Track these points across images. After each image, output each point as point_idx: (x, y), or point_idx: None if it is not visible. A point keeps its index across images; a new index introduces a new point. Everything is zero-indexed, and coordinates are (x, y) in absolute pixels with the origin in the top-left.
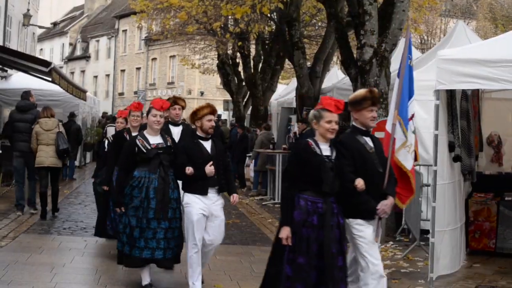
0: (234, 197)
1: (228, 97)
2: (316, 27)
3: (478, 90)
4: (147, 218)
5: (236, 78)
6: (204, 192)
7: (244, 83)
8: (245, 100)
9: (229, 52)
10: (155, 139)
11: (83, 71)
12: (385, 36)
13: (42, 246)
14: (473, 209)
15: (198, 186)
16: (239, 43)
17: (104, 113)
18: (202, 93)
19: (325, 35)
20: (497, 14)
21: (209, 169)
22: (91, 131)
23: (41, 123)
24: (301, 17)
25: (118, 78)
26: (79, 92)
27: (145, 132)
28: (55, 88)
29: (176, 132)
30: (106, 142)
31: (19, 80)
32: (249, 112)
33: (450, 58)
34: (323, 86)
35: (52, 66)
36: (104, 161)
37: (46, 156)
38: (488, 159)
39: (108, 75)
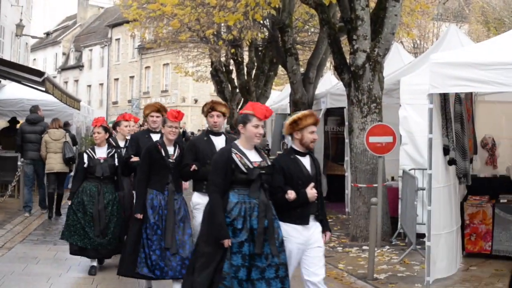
0: (327, 236)
1: None
2: (309, 33)
3: (471, 93)
4: (251, 254)
5: (229, 85)
6: (305, 221)
7: (238, 90)
8: (239, 107)
9: (223, 59)
10: (254, 155)
11: (76, 81)
12: (377, 41)
13: (38, 256)
14: (469, 212)
15: (297, 213)
16: (232, 50)
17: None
18: (196, 101)
19: (318, 40)
20: (489, 17)
21: (311, 192)
22: (85, 140)
23: (50, 133)
24: (294, 23)
25: (112, 87)
26: (73, 102)
27: (239, 145)
28: (49, 98)
29: (220, 143)
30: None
31: (12, 90)
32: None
33: (443, 62)
34: (317, 91)
35: (45, 76)
36: (112, 178)
37: (54, 162)
38: (483, 161)
39: (101, 84)
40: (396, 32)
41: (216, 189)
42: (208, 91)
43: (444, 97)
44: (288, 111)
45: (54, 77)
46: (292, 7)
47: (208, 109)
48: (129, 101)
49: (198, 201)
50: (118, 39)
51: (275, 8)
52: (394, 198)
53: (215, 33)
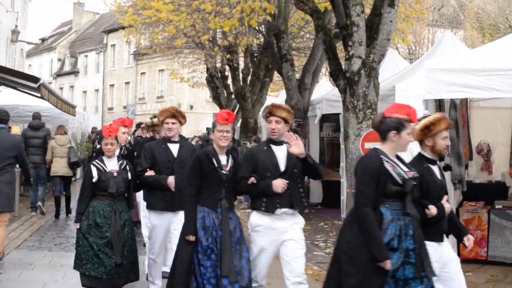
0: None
1: (217, 110)
2: (304, 39)
3: (466, 99)
4: (405, 279)
5: (225, 91)
6: (440, 238)
7: (233, 96)
8: (235, 113)
9: (218, 65)
10: (402, 165)
11: (72, 87)
12: (373, 47)
13: (33, 262)
14: (464, 217)
15: (433, 229)
16: (228, 56)
17: (94, 128)
18: (191, 107)
19: (313, 47)
20: (484, 23)
21: (448, 206)
22: (81, 146)
23: (56, 139)
24: (289, 29)
25: (107, 93)
26: (68, 108)
27: (386, 152)
28: (44, 104)
29: (281, 154)
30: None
31: (8, 96)
32: (238, 125)
33: (438, 68)
34: (312, 97)
35: (41, 82)
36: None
37: (60, 166)
38: (478, 167)
39: (97, 90)
40: (392, 38)
41: (368, 203)
42: (203, 97)
43: (439, 103)
44: None
45: (50, 83)
46: (287, 13)
47: (266, 114)
48: (125, 107)
49: (259, 222)
50: (113, 45)
51: (270, 14)
52: None
53: (210, 39)
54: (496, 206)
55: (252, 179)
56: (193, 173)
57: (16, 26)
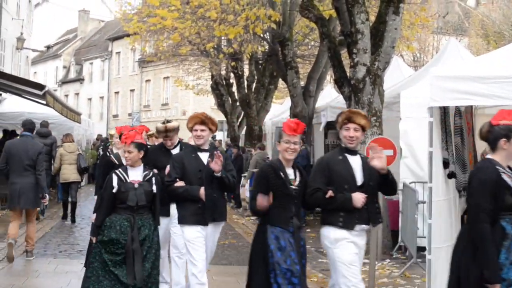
0: None
1: (222, 117)
2: (309, 47)
3: (471, 106)
4: None
5: (230, 99)
6: None
7: (238, 103)
8: (240, 120)
9: (223, 72)
10: None
11: (77, 94)
12: (377, 55)
13: (38, 269)
14: None
15: None
16: (233, 64)
17: (99, 136)
18: None
19: (318, 54)
20: (489, 31)
21: None
22: (86, 153)
23: (65, 146)
24: (294, 36)
25: (112, 100)
26: (74, 115)
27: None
28: (50, 111)
29: (356, 164)
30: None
31: (13, 103)
32: (243, 132)
33: (443, 75)
34: (317, 105)
35: (46, 89)
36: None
37: (69, 173)
38: None
39: (102, 97)
40: (396, 46)
41: (486, 218)
42: (208, 105)
43: (444, 110)
44: None
45: (55, 90)
46: (292, 20)
47: (344, 120)
48: (130, 114)
49: (336, 236)
50: (118, 53)
51: (275, 21)
52: (394, 211)
53: (215, 46)
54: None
55: (330, 192)
56: (259, 189)
57: (22, 33)
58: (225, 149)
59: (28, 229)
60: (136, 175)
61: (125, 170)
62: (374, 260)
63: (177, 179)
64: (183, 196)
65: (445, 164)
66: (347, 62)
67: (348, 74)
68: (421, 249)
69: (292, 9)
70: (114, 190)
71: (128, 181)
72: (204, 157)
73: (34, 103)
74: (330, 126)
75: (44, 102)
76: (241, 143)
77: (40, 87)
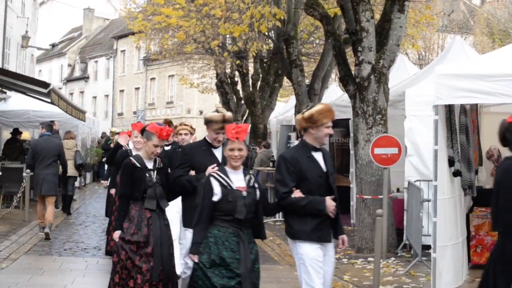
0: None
1: None
2: (314, 45)
3: (476, 104)
4: None
5: (235, 97)
6: None
7: (243, 102)
8: (244, 118)
9: (228, 70)
10: None
11: (82, 92)
12: (382, 53)
13: (43, 267)
14: (474, 223)
15: None
16: (237, 62)
17: (104, 134)
18: (201, 112)
19: (323, 52)
20: (494, 29)
21: None
22: (90, 151)
23: (64, 143)
24: (299, 35)
25: (117, 98)
26: (78, 113)
27: None
28: (54, 109)
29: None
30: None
31: (18, 101)
32: (248, 130)
33: (448, 73)
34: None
35: (51, 87)
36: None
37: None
38: (488, 173)
39: (107, 96)
40: (401, 44)
41: None
42: (213, 103)
43: (449, 108)
44: (293, 123)
45: (60, 88)
46: (297, 19)
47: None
48: (134, 113)
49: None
50: (123, 51)
51: (280, 19)
52: (399, 209)
53: (220, 44)
54: None
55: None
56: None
57: (27, 31)
58: None
59: (48, 211)
60: (239, 179)
61: (226, 173)
62: (379, 258)
63: (294, 188)
64: (306, 210)
65: (450, 162)
66: (352, 60)
67: (353, 72)
68: (426, 247)
69: (297, 7)
70: (216, 199)
71: (234, 187)
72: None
73: (39, 101)
74: (334, 124)
75: (49, 100)
76: (246, 141)
77: (45, 85)
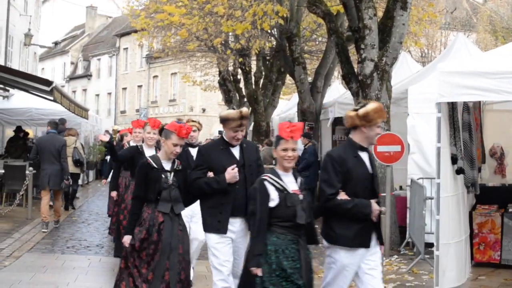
0: None
1: None
2: (317, 42)
3: (479, 102)
4: None
5: (237, 94)
6: None
7: (245, 99)
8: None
9: (230, 68)
10: None
11: (84, 90)
12: (385, 50)
13: (45, 265)
14: (477, 221)
15: None
16: (240, 59)
17: (106, 131)
18: (203, 110)
19: (325, 50)
20: (497, 26)
21: None
22: (93, 149)
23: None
24: (302, 32)
25: (120, 96)
26: (81, 111)
27: None
28: (57, 107)
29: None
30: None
31: (21, 99)
32: (251, 128)
33: (451, 71)
34: (325, 100)
35: (53, 85)
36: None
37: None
38: (491, 171)
39: (109, 93)
40: (404, 41)
41: None
42: (216, 100)
43: (452, 106)
44: (296, 120)
45: (62, 86)
46: (300, 16)
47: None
48: (137, 110)
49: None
50: (126, 49)
51: (283, 17)
52: (402, 207)
53: (223, 42)
54: (510, 210)
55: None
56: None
57: (29, 29)
58: None
59: (55, 205)
60: (291, 182)
61: (278, 176)
62: (382, 256)
63: (340, 190)
64: (352, 214)
65: (453, 160)
66: (354, 57)
67: (355, 70)
68: (429, 245)
69: (300, 5)
70: (273, 204)
71: (290, 191)
72: (366, 158)
73: (42, 99)
74: (337, 122)
75: (52, 98)
76: (249, 139)
77: (48, 83)
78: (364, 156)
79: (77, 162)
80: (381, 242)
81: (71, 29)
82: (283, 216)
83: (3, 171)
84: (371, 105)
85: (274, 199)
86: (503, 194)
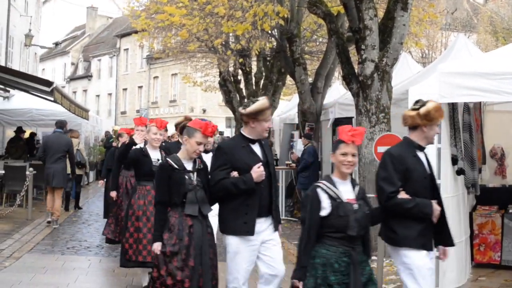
0: None
1: (230, 114)
2: (317, 43)
3: (480, 102)
4: None
5: (238, 95)
6: None
7: (246, 100)
8: None
9: (231, 69)
10: None
11: (85, 91)
12: (386, 51)
13: (46, 266)
14: (478, 222)
15: None
16: (240, 60)
17: (107, 132)
18: (204, 111)
19: (326, 50)
20: (497, 27)
21: None
22: (94, 150)
23: None
24: (302, 33)
25: (120, 97)
26: (82, 111)
27: None
28: (58, 107)
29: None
30: None
31: (21, 100)
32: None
33: (451, 72)
34: (325, 101)
35: (54, 85)
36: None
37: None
38: (492, 171)
39: (110, 94)
40: (405, 42)
41: None
42: (216, 101)
43: (452, 106)
44: (297, 121)
45: (63, 87)
46: (300, 17)
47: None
48: (138, 111)
49: None
50: (126, 49)
51: (283, 18)
52: None
53: (223, 43)
54: (510, 211)
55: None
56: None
57: (30, 30)
58: None
59: (55, 203)
60: (347, 191)
61: (333, 183)
62: (382, 256)
63: (400, 189)
64: (412, 214)
65: (454, 160)
66: (355, 58)
67: (356, 71)
68: None
69: (300, 5)
70: (325, 213)
71: (344, 200)
72: (423, 157)
73: (42, 99)
74: (338, 122)
75: (52, 99)
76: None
77: (48, 83)
78: (421, 156)
79: (79, 164)
80: (450, 243)
81: (71, 29)
82: (334, 226)
83: (3, 171)
84: (432, 104)
85: (325, 208)
86: (504, 195)
